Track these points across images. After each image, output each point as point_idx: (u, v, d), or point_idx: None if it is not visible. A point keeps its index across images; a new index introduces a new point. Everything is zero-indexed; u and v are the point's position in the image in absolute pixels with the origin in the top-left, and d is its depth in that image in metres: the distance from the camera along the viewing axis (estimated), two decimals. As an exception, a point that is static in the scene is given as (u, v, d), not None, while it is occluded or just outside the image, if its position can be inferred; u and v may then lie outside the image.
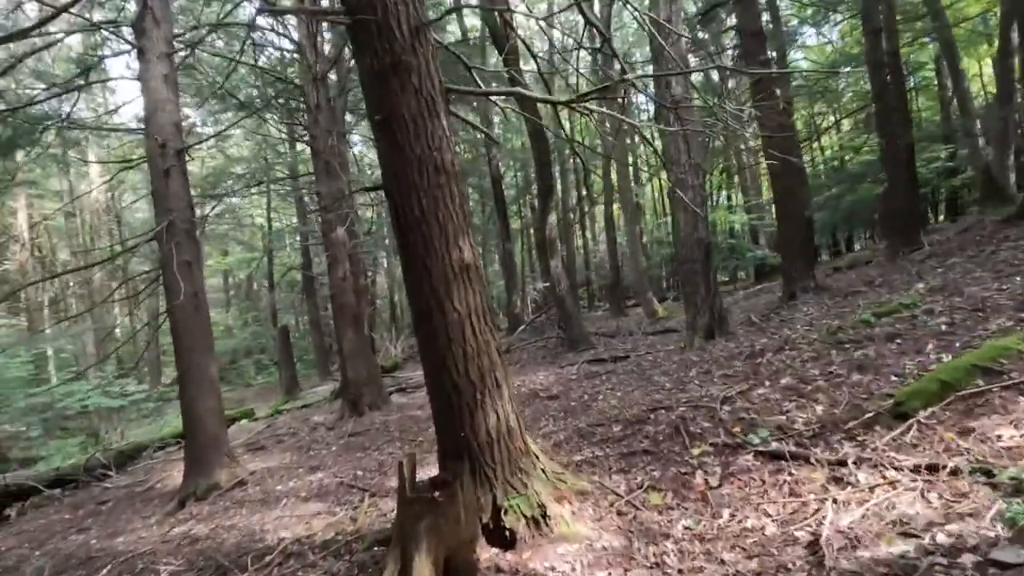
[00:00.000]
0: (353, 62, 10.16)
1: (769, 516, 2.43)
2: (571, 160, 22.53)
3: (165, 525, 5.27)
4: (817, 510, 2.34)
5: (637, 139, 20.15)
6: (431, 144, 2.63)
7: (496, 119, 20.04)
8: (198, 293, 6.03)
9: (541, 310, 14.30)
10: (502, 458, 2.67)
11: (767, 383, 4.08)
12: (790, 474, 2.70)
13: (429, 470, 4.88)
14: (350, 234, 8.95)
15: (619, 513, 2.83)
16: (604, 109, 3.53)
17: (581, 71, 6.33)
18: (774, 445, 2.99)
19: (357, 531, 3.64)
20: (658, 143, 7.45)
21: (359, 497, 4.73)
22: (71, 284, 21.51)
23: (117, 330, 27.96)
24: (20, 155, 16.70)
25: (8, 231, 18.09)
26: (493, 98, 6.61)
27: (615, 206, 16.17)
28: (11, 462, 11.95)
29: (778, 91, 7.06)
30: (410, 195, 2.61)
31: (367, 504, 4.28)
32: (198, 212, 22.86)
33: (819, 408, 3.29)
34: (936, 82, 16.29)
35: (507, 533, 2.54)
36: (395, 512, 2.85)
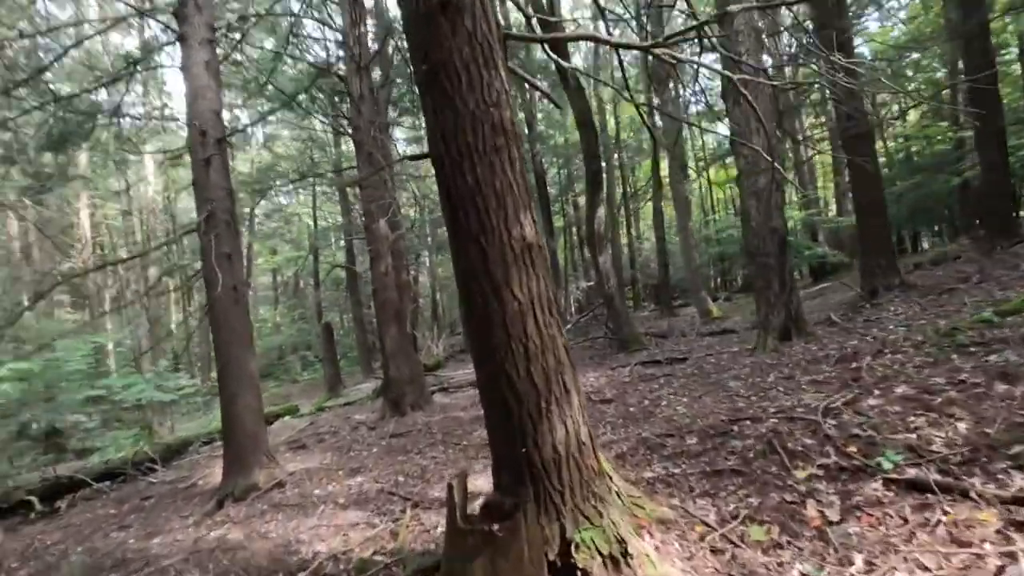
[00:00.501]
0: (395, 52, 9.92)
1: (928, 570, 1.85)
2: (616, 156, 21.82)
3: (202, 527, 5.05)
4: (1001, 568, 1.75)
5: (688, 129, 19.26)
6: (487, 98, 2.17)
7: (540, 114, 19.56)
8: (237, 286, 5.82)
9: (588, 308, 13.73)
10: (572, 480, 2.19)
11: (876, 392, 3.43)
12: (944, 512, 2.10)
13: (476, 480, 4.45)
14: (392, 227, 8.66)
15: (713, 550, 2.30)
16: (689, 56, 2.98)
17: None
18: (911, 472, 2.38)
19: (399, 550, 3.24)
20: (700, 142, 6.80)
21: (400, 506, 4.35)
22: (131, 283, 22.40)
23: (172, 325, 29.07)
24: (82, 157, 17.45)
25: (72, 230, 18.91)
26: (540, 85, 6.11)
27: (664, 201, 15.41)
28: (68, 452, 12.34)
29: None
30: (462, 160, 2.16)
31: (409, 516, 3.88)
32: (246, 209, 23.35)
33: (961, 426, 2.65)
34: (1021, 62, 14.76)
35: (579, 575, 2.05)
36: (443, 538, 2.41)
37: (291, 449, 7.93)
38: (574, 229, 25.58)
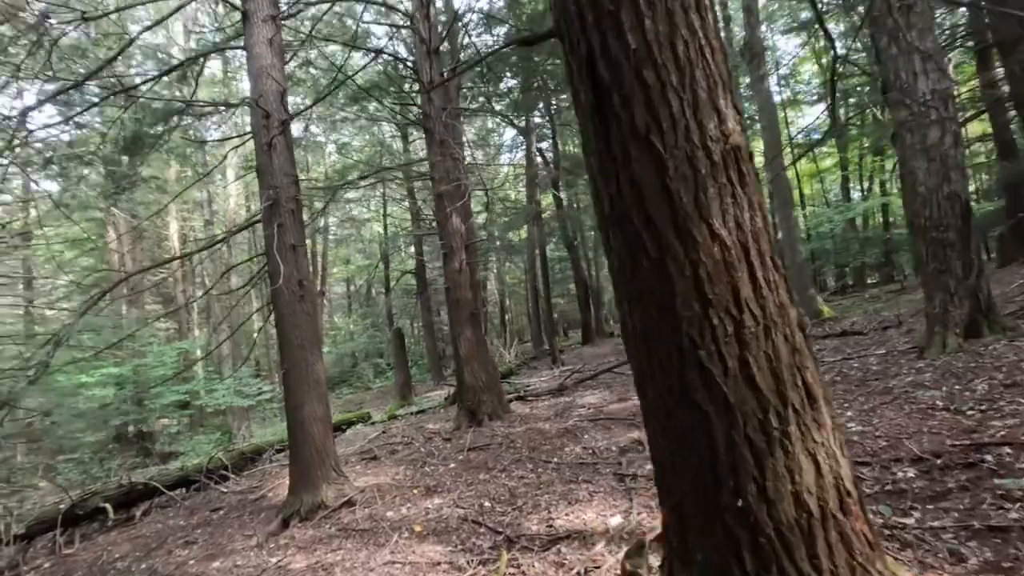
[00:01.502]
0: (464, 34, 9.31)
1: None
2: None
3: (264, 551, 4.45)
4: None
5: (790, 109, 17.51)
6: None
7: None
8: (303, 281, 5.26)
9: None
10: (833, 560, 1.22)
11: None
12: None
13: (584, 514, 3.54)
14: (465, 217, 7.98)
15: None
16: None
17: None
18: None
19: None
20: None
21: (489, 541, 3.52)
22: (215, 294, 23.41)
23: (255, 332, 30.23)
24: (171, 172, 18.29)
25: (166, 243, 19.88)
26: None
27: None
28: (153, 456, 12.64)
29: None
30: (618, 8, 1.29)
31: (505, 562, 3.03)
32: (320, 220, 23.74)
33: None
34: None
35: None
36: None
37: (362, 460, 7.35)
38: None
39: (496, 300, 35.33)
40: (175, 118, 7.20)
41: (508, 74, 13.73)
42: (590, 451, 5.05)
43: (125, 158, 7.63)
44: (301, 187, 6.01)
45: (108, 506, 6.84)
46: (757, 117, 11.69)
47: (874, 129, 17.72)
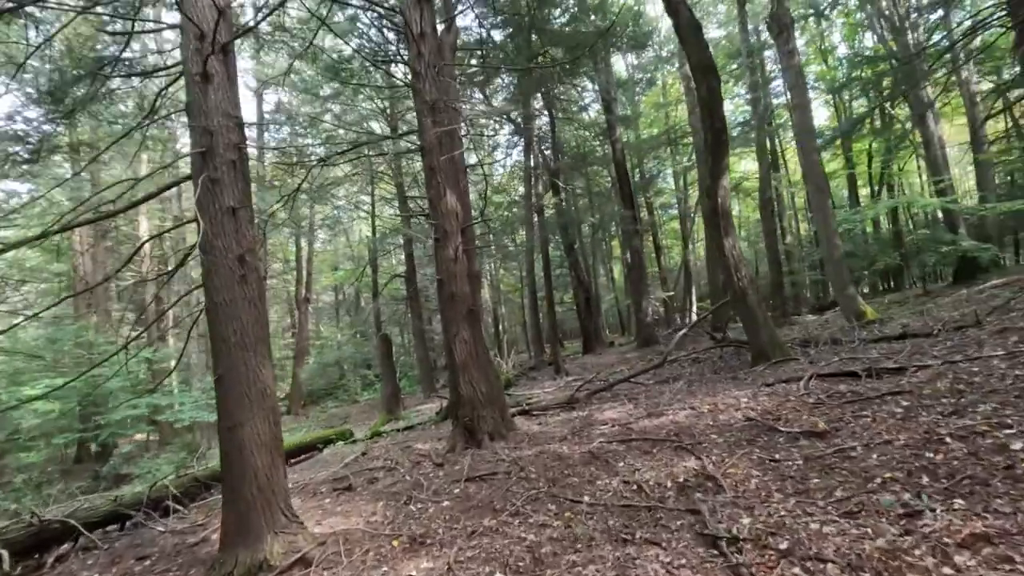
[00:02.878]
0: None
1: None
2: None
3: (173, 641, 3.06)
4: None
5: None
6: None
7: (622, 96, 17.39)
8: (246, 256, 3.89)
9: (710, 310, 11.23)
10: None
11: None
12: None
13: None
14: (462, 193, 6.69)
15: None
16: None
17: None
18: None
19: None
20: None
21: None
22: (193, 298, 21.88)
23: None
24: (142, 166, 16.85)
25: (131, 241, 18.41)
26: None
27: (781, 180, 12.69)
28: (103, 479, 11.08)
29: None
30: None
31: None
32: (306, 211, 22.32)
33: None
34: None
35: None
36: None
37: (333, 492, 5.93)
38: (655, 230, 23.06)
39: (490, 308, 33.96)
40: (106, 69, 5.84)
41: (504, 64, 12.56)
42: (635, 487, 3.70)
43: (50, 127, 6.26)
44: (272, 160, 4.66)
45: (4, 553, 5.37)
46: (790, 96, 10.50)
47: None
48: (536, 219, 13.96)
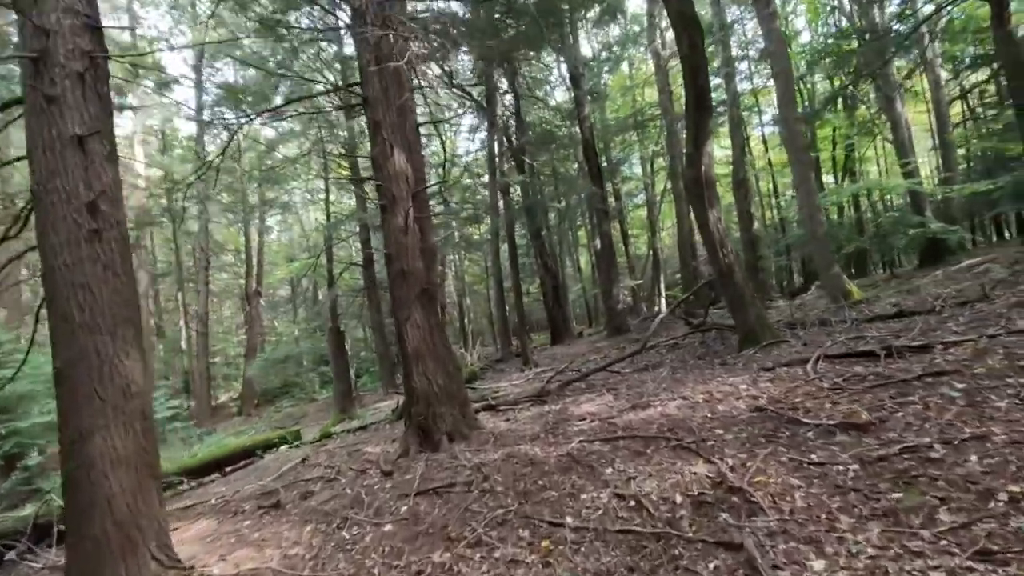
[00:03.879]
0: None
1: None
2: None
3: None
4: None
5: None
6: None
7: (590, 78, 16.52)
8: (99, 203, 2.81)
9: (690, 292, 10.53)
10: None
11: None
12: None
13: None
14: (413, 152, 5.69)
15: None
16: None
17: None
18: None
19: None
20: None
21: None
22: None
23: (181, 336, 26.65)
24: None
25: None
26: None
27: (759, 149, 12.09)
28: (3, 499, 9.55)
29: None
30: None
31: None
32: (255, 198, 20.72)
33: None
34: None
35: None
36: None
37: (259, 509, 4.88)
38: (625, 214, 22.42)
39: (455, 300, 32.82)
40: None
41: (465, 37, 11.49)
42: (633, 503, 2.83)
43: None
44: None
45: None
46: (770, 63, 9.84)
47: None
48: (501, 200, 12.99)
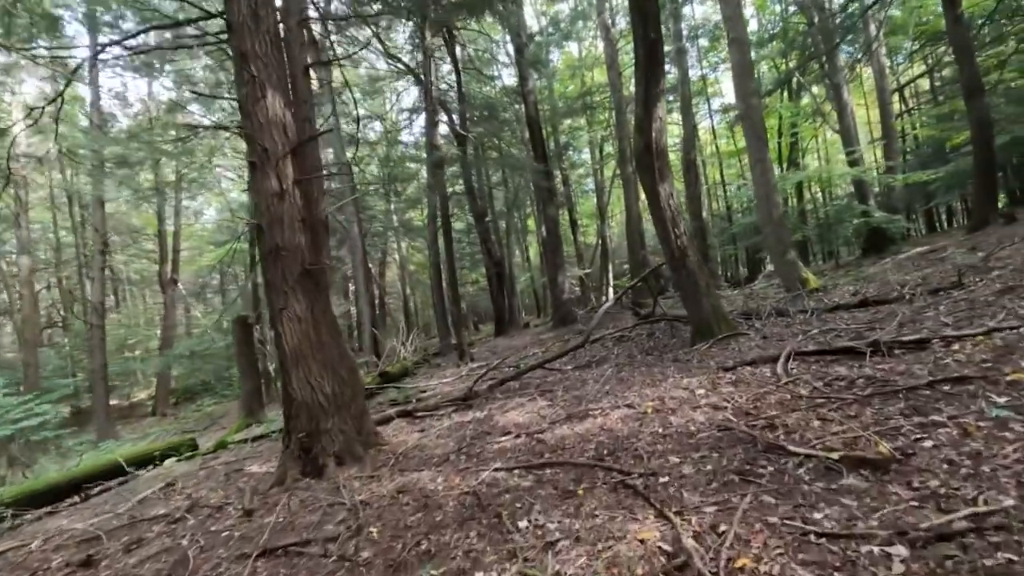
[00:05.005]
0: None
1: None
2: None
3: None
4: None
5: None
6: None
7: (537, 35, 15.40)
8: None
9: (636, 280, 9.67)
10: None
11: None
12: None
13: None
14: (292, 98, 4.43)
15: None
16: None
17: None
18: None
19: None
20: None
21: None
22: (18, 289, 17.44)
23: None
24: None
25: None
26: None
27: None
28: None
29: None
30: None
31: None
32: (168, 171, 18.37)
33: None
34: None
35: None
36: None
37: (65, 567, 3.57)
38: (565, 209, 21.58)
39: (399, 292, 31.21)
40: None
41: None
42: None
43: None
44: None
45: None
46: (726, 30, 9.03)
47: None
48: (435, 174, 11.72)
